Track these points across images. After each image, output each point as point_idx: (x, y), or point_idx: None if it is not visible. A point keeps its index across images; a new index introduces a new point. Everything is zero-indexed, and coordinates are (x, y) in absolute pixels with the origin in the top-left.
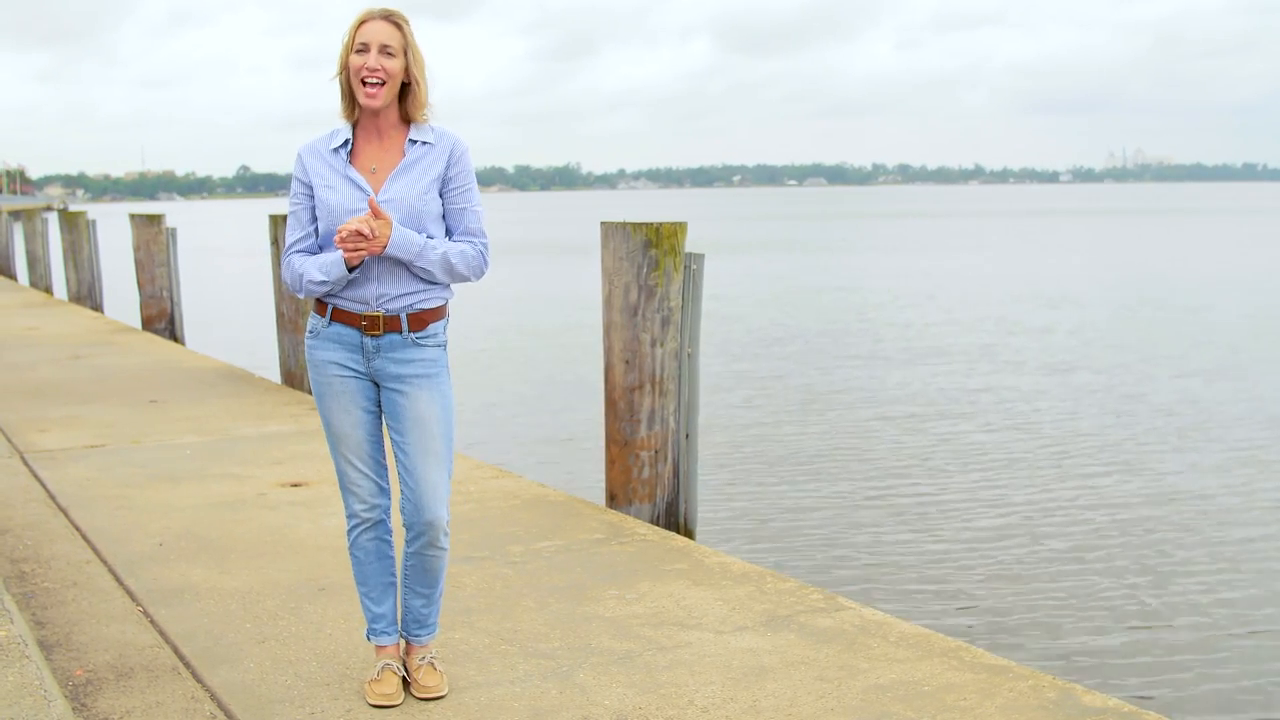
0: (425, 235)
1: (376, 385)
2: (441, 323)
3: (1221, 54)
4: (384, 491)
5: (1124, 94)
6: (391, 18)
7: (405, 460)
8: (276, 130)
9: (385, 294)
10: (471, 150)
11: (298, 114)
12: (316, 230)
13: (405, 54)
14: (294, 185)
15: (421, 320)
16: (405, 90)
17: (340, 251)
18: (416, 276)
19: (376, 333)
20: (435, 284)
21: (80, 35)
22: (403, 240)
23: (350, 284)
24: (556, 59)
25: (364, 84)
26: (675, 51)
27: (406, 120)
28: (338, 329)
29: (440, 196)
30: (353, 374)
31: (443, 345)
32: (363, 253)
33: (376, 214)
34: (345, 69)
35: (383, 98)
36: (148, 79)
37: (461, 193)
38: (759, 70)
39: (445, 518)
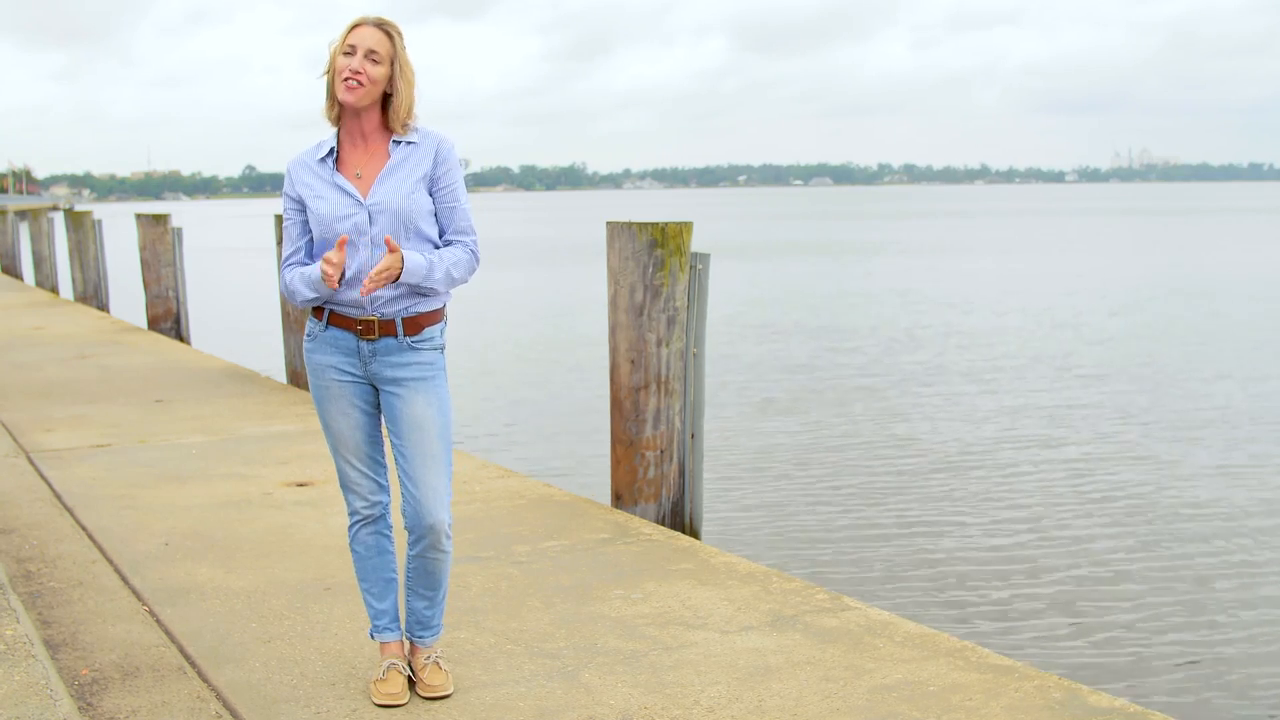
0: (417, 234)
1: (374, 388)
2: (438, 326)
3: (1235, 54)
4: (383, 489)
5: (1134, 94)
6: (384, 26)
7: (405, 465)
8: (285, 130)
9: (381, 297)
10: (456, 146)
11: (308, 113)
12: (311, 243)
13: (392, 64)
14: (284, 201)
15: (417, 324)
16: (388, 100)
17: (318, 265)
18: None
19: (372, 337)
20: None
21: (97, 35)
22: (413, 266)
23: (346, 287)
24: (571, 58)
25: (344, 81)
26: (690, 51)
27: (389, 128)
28: (334, 333)
29: (430, 195)
30: (350, 378)
31: (440, 349)
32: (383, 280)
33: (391, 249)
34: (332, 69)
35: (358, 96)
36: (160, 79)
37: (450, 191)
38: (773, 70)
39: (447, 521)
